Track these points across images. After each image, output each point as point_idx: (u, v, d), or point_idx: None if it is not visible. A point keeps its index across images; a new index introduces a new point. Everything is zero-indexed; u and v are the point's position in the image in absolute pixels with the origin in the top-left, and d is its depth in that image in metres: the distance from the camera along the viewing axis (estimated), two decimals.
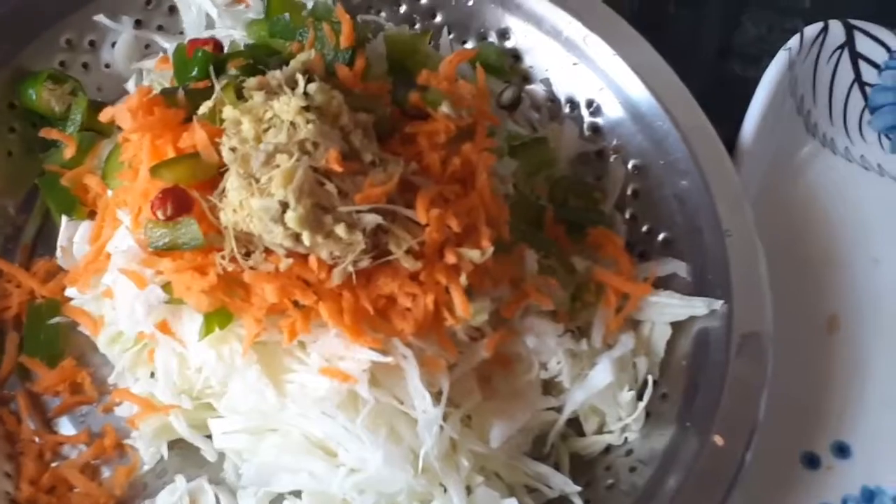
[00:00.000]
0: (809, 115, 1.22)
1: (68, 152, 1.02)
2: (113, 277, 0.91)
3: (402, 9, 1.19)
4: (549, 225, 1.02)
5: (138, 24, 1.14)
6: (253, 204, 0.82)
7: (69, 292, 0.97)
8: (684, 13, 1.30)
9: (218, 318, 0.86)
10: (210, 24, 1.13)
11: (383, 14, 1.18)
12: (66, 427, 0.97)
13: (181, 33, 1.16)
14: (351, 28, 0.98)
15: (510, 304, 0.94)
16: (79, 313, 0.97)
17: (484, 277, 0.90)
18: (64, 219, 1.01)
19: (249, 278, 0.84)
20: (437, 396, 0.86)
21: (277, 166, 0.82)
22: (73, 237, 1.00)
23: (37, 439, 0.95)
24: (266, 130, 0.85)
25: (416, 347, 0.87)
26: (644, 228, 1.07)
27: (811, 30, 1.18)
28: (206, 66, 0.95)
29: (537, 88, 1.15)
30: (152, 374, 0.94)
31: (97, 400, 0.97)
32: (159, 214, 0.85)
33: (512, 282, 0.94)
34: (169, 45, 1.12)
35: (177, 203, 0.85)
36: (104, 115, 0.94)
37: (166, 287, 0.87)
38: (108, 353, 0.96)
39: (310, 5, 1.08)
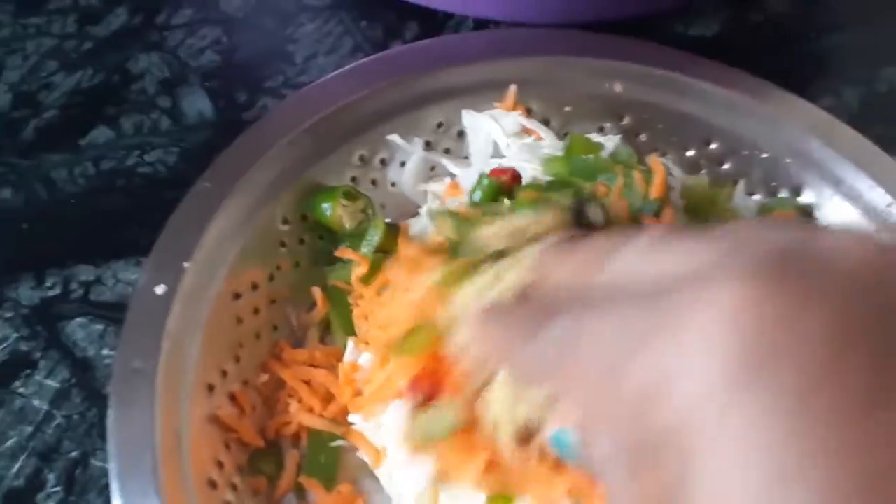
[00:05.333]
0: None
1: (359, 272, 1.00)
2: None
3: (690, 153, 1.16)
4: None
5: (427, 145, 1.14)
6: None
7: (351, 417, 0.94)
8: None
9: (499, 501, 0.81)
10: (496, 152, 1.12)
11: (670, 156, 1.16)
12: None
13: (466, 157, 1.15)
14: (663, 179, 0.95)
15: None
16: (362, 440, 0.94)
17: None
18: (350, 342, 0.97)
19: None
20: None
21: None
22: (358, 361, 0.97)
23: None
24: None
25: None
26: None
27: None
28: None
29: None
30: None
31: None
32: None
33: None
34: (456, 170, 1.12)
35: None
36: None
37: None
38: (389, 488, 0.91)
39: (608, 146, 1.08)
